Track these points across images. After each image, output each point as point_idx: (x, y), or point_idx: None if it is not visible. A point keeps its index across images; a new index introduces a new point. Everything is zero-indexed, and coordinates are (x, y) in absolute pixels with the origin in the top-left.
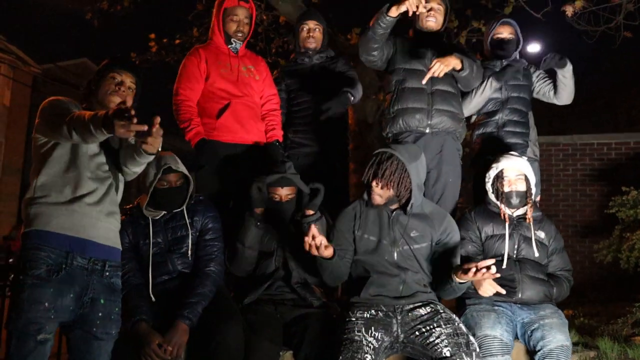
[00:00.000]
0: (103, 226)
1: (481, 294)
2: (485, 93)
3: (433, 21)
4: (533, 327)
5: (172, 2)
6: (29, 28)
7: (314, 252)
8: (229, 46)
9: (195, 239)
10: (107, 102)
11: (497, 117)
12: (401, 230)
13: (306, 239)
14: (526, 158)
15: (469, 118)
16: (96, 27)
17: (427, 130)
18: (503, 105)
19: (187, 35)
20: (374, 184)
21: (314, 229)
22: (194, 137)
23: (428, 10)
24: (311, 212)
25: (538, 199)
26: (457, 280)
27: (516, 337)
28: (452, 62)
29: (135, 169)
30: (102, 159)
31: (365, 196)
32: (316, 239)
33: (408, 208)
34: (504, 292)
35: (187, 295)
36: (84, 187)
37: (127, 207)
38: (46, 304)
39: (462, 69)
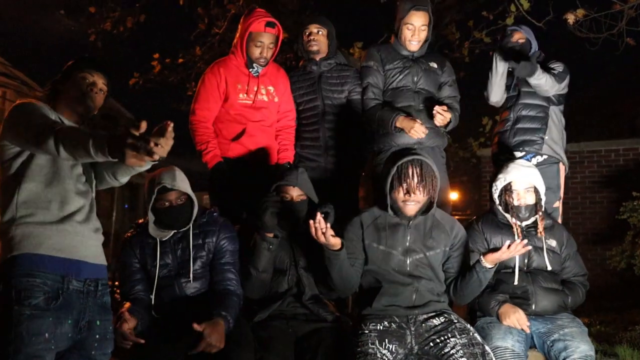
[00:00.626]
0: (93, 244)
1: (506, 323)
2: (498, 69)
3: (415, 44)
4: (553, 337)
5: (174, 21)
6: (34, 52)
7: (320, 237)
8: (250, 70)
9: (207, 260)
10: (79, 104)
11: (511, 115)
12: (418, 237)
13: (311, 222)
14: (544, 157)
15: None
16: (100, 49)
17: (415, 147)
18: (516, 101)
19: (190, 54)
20: (410, 195)
21: (320, 216)
22: (212, 160)
23: (412, 35)
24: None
25: (559, 204)
26: (486, 264)
27: (532, 346)
28: (448, 119)
29: (125, 178)
30: (80, 170)
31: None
32: (322, 224)
33: (432, 210)
34: (527, 330)
35: (216, 306)
36: (71, 204)
37: (138, 222)
38: (46, 335)
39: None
